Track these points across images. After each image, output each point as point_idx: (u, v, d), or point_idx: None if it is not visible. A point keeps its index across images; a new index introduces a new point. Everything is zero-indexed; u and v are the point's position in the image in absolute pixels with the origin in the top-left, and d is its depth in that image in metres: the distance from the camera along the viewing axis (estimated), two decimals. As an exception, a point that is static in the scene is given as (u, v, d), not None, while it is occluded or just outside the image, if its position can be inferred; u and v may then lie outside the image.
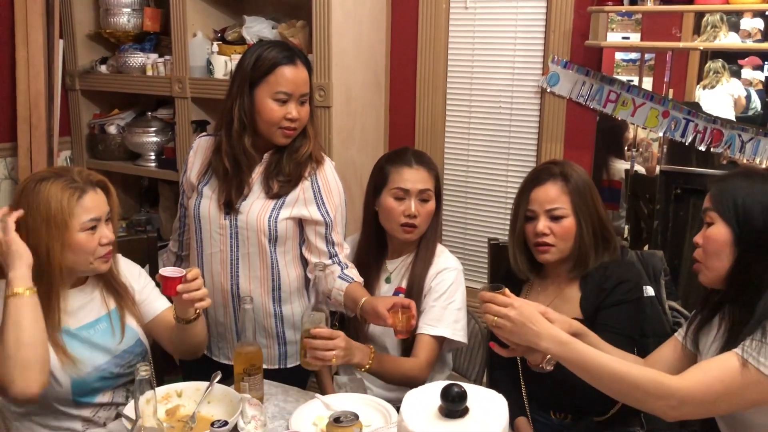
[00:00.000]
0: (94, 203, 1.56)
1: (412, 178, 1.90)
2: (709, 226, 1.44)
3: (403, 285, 1.95)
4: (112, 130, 3.30)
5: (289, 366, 2.01)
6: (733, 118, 2.39)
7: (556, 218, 1.76)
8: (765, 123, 2.36)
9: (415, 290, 1.91)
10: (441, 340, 1.90)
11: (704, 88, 2.49)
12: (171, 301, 1.79)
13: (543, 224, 1.76)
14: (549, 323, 1.43)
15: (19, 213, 1.51)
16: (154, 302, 1.79)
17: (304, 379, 2.06)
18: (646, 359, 1.65)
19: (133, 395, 1.55)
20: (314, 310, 1.67)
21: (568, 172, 1.78)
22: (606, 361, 1.37)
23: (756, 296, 1.37)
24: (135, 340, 1.70)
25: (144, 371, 1.26)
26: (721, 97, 2.48)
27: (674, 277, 2.19)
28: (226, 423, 1.20)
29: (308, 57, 2.36)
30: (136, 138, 3.21)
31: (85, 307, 1.64)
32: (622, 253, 1.99)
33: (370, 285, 1.95)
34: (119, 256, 1.77)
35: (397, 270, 1.98)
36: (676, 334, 1.64)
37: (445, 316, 1.88)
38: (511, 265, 1.88)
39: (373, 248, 1.99)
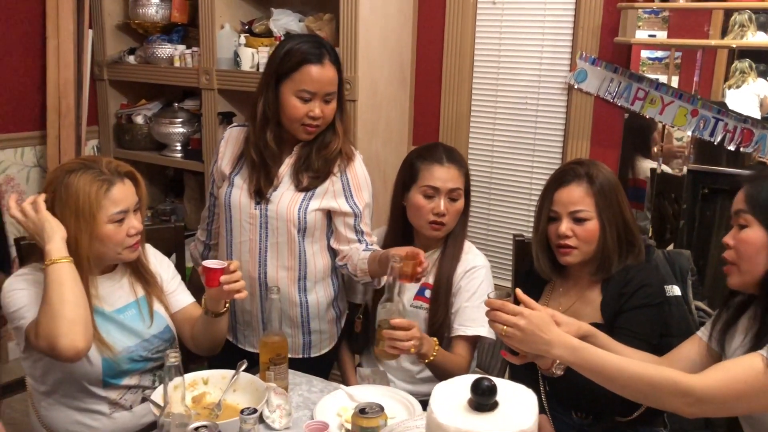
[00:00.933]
0: (121, 195, 1.58)
1: (443, 176, 1.89)
2: (741, 228, 1.41)
3: (430, 281, 1.95)
4: (139, 120, 3.34)
5: (313, 355, 2.03)
6: (759, 118, 2.36)
7: (579, 220, 1.73)
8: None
9: (443, 288, 1.90)
10: (477, 338, 1.90)
11: (729, 87, 2.46)
12: (196, 297, 1.82)
13: (566, 226, 1.72)
14: (559, 330, 1.41)
15: (45, 195, 1.55)
16: (179, 295, 1.82)
17: (328, 368, 2.07)
18: (667, 356, 1.63)
19: (162, 381, 1.58)
20: (388, 301, 1.67)
21: (594, 172, 1.74)
22: (620, 363, 1.35)
23: None
24: (164, 326, 1.72)
25: (174, 358, 1.27)
26: (746, 97, 2.45)
27: (700, 277, 2.17)
28: (255, 411, 1.22)
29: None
30: (163, 128, 3.24)
31: (114, 293, 1.67)
32: (648, 253, 1.97)
33: None
34: (148, 245, 1.79)
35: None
36: (698, 332, 1.62)
37: (478, 315, 1.86)
38: (533, 265, 1.87)
39: (400, 243, 1.98)
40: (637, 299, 1.70)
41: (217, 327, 1.73)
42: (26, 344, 1.54)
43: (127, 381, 1.64)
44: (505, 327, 1.41)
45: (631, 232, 1.78)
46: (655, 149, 2.58)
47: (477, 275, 1.92)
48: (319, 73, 1.83)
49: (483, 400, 0.98)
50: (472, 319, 1.88)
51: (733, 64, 2.45)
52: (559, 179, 1.78)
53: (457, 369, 1.82)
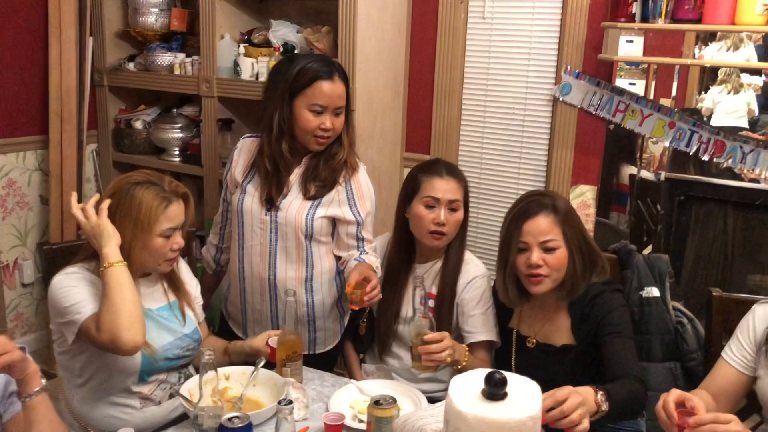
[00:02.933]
0: (175, 213, 1.73)
1: (443, 187, 2.01)
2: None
3: (433, 290, 2.07)
4: (138, 125, 3.43)
5: (317, 351, 2.17)
6: (746, 125, 2.53)
7: (549, 250, 1.81)
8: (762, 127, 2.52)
9: (446, 297, 2.02)
10: (491, 343, 2.01)
11: (729, 92, 2.61)
12: (205, 297, 1.96)
13: (537, 256, 1.79)
14: None
15: (109, 201, 1.69)
16: (197, 308, 1.95)
17: (332, 363, 2.20)
18: (706, 391, 1.67)
19: (188, 377, 1.71)
20: (421, 318, 1.79)
21: (557, 203, 1.84)
22: None
23: None
24: (194, 327, 1.85)
25: (208, 355, 1.40)
26: (737, 105, 2.61)
27: (677, 279, 2.34)
28: (291, 402, 1.34)
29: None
30: (162, 133, 3.34)
31: (150, 295, 1.80)
32: (629, 257, 2.13)
33: (399, 287, 2.07)
34: (181, 259, 1.92)
35: (426, 275, 2.09)
36: (728, 359, 1.66)
37: (487, 321, 2.00)
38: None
39: (403, 253, 2.10)
40: (600, 310, 1.81)
41: (222, 363, 1.86)
42: (76, 338, 1.64)
43: (157, 377, 1.76)
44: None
45: (593, 251, 1.88)
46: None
47: (479, 284, 2.04)
48: (330, 88, 1.97)
49: (495, 390, 1.12)
50: (482, 325, 2.00)
51: (721, 69, 2.61)
52: (526, 211, 1.83)
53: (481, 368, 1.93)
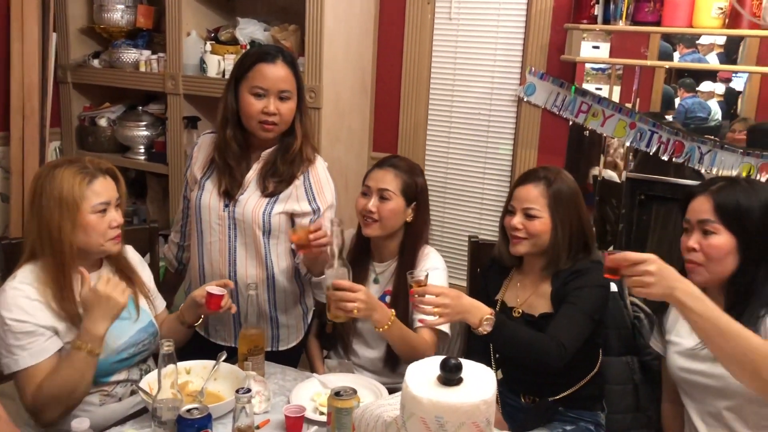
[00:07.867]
0: (103, 188, 1.68)
1: (376, 177, 2.05)
2: (707, 234, 1.59)
3: (390, 288, 2.08)
4: (103, 123, 3.39)
5: (281, 348, 2.16)
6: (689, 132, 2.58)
7: (530, 216, 1.91)
8: (724, 132, 2.58)
9: (402, 295, 2.00)
10: (437, 332, 2.01)
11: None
12: (169, 296, 1.92)
13: (517, 219, 1.92)
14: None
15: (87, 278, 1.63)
16: (156, 301, 1.94)
17: (295, 361, 2.20)
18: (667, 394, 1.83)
19: (151, 371, 1.69)
20: (330, 267, 1.78)
21: (553, 177, 1.92)
22: (734, 322, 1.42)
23: (749, 299, 1.55)
24: (148, 320, 1.82)
25: (168, 346, 1.39)
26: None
27: (637, 277, 2.38)
28: (249, 390, 1.34)
29: (298, 59, 2.49)
30: (127, 131, 3.31)
31: None
32: (589, 252, 2.17)
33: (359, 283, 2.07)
34: (128, 246, 1.89)
35: (385, 273, 2.11)
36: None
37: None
38: (494, 255, 2.06)
39: (358, 252, 2.13)
40: (577, 282, 1.88)
41: (185, 334, 1.88)
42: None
43: (116, 377, 1.73)
44: (637, 278, 1.44)
45: (586, 235, 1.95)
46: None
47: (434, 276, 2.01)
48: (272, 71, 1.95)
49: (450, 375, 1.14)
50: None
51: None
52: (522, 178, 1.98)
53: (420, 346, 1.92)
